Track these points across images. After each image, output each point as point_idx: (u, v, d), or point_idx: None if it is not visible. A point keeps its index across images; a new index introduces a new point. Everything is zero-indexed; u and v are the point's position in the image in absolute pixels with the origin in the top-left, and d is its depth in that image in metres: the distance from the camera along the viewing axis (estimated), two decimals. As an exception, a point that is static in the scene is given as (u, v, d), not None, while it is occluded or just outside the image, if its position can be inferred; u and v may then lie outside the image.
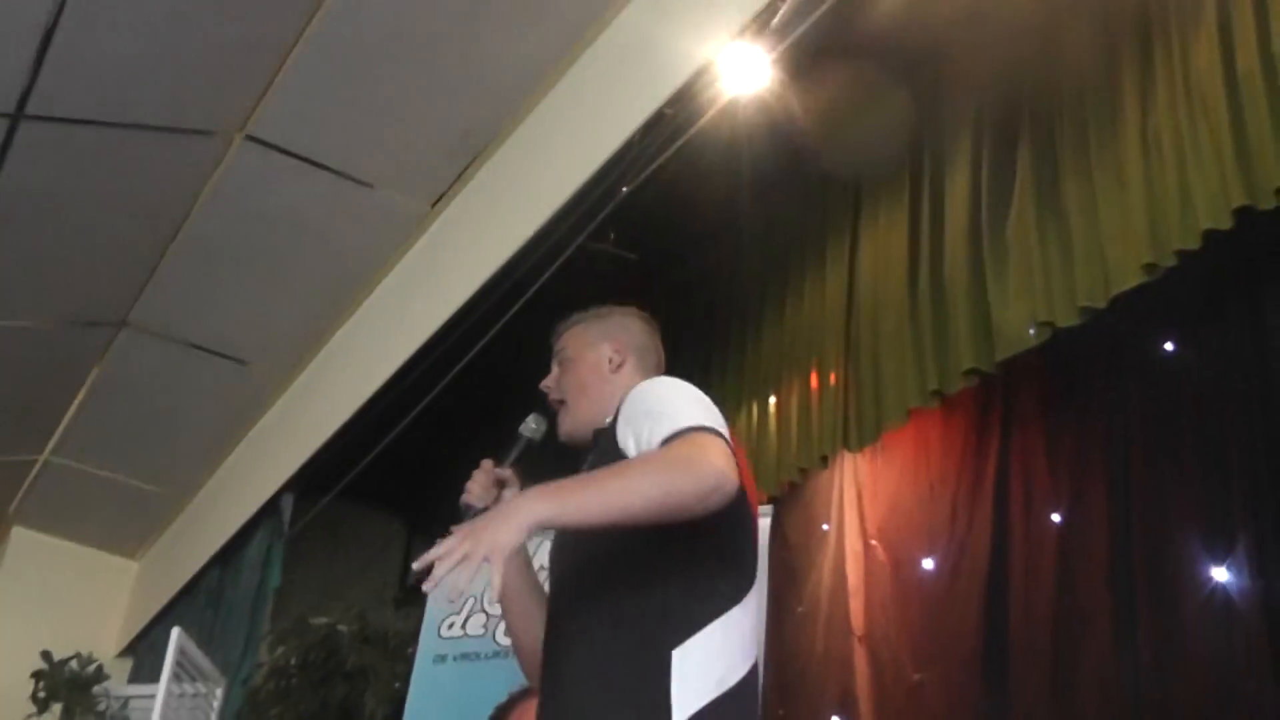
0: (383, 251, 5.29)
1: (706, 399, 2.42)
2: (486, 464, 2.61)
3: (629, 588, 2.26)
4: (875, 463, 4.56)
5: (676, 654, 2.21)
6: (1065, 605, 3.78)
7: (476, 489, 2.58)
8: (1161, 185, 3.28)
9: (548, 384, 2.70)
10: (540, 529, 2.14)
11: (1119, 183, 3.41)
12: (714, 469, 2.18)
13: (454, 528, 2.40)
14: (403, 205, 5.05)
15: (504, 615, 2.69)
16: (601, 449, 2.46)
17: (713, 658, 2.25)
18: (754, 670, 2.31)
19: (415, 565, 2.27)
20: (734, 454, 2.27)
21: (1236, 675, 3.26)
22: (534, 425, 2.66)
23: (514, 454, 2.65)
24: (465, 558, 2.06)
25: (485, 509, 2.50)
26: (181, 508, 7.01)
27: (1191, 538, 3.47)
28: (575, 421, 2.64)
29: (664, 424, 2.30)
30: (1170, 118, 3.32)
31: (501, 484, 2.60)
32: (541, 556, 3.10)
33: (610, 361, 2.66)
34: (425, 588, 2.15)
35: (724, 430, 2.30)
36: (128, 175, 4.90)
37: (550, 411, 2.66)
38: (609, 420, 2.54)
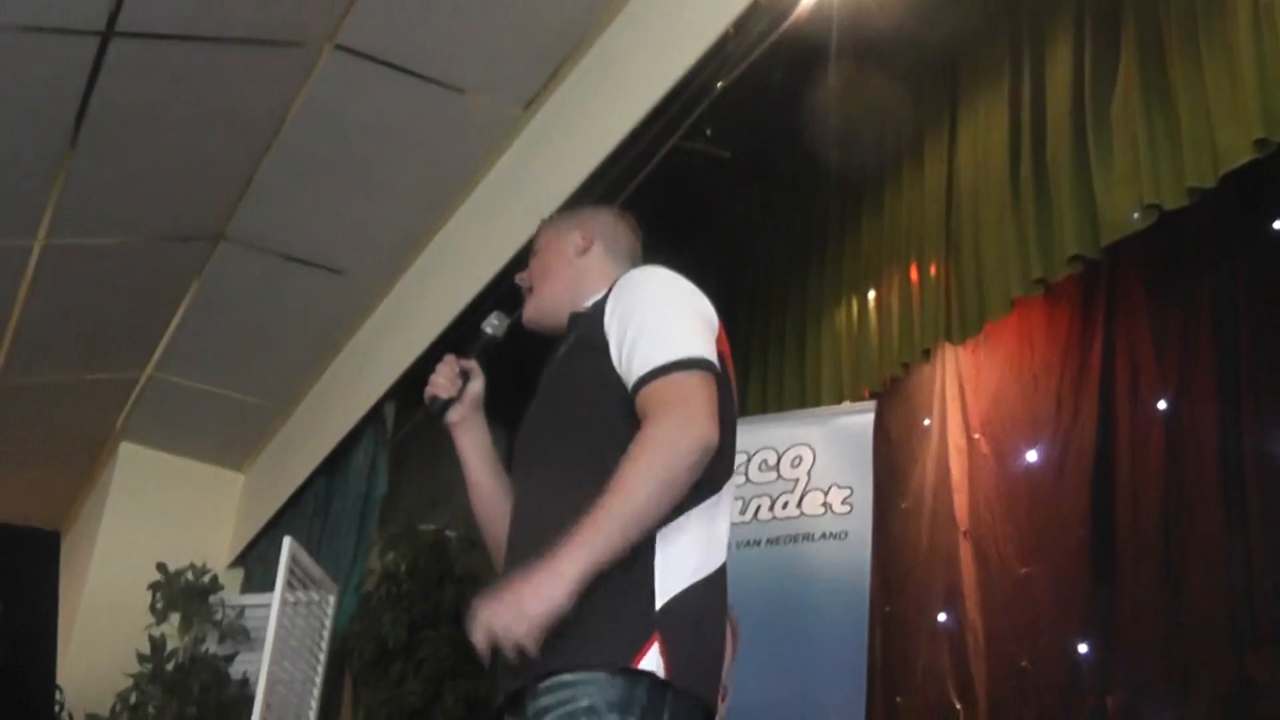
0: (476, 157, 5.31)
1: (699, 298, 2.45)
2: (450, 357, 2.70)
3: (608, 472, 2.25)
4: (977, 355, 4.58)
5: (659, 537, 2.27)
6: (1174, 496, 3.80)
7: (443, 381, 2.67)
8: (1274, 59, 3.25)
9: (520, 276, 2.76)
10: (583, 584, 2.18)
11: (1228, 58, 3.38)
12: (697, 443, 2.24)
13: (425, 416, 2.57)
14: (495, 109, 5.07)
15: (474, 505, 2.74)
16: (581, 333, 2.49)
17: (691, 545, 2.32)
18: (724, 567, 2.37)
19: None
20: (716, 357, 2.36)
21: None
22: (495, 322, 2.75)
23: (475, 348, 2.75)
24: (508, 635, 2.12)
25: (451, 400, 2.66)
26: (285, 419, 7.13)
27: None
28: (539, 306, 2.69)
29: (653, 347, 2.33)
30: (1282, -11, 3.29)
31: (465, 375, 2.69)
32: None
33: (576, 246, 2.69)
34: None
35: (707, 349, 2.34)
36: (219, 90, 4.94)
37: (518, 310, 2.71)
38: (587, 304, 2.57)
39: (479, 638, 2.19)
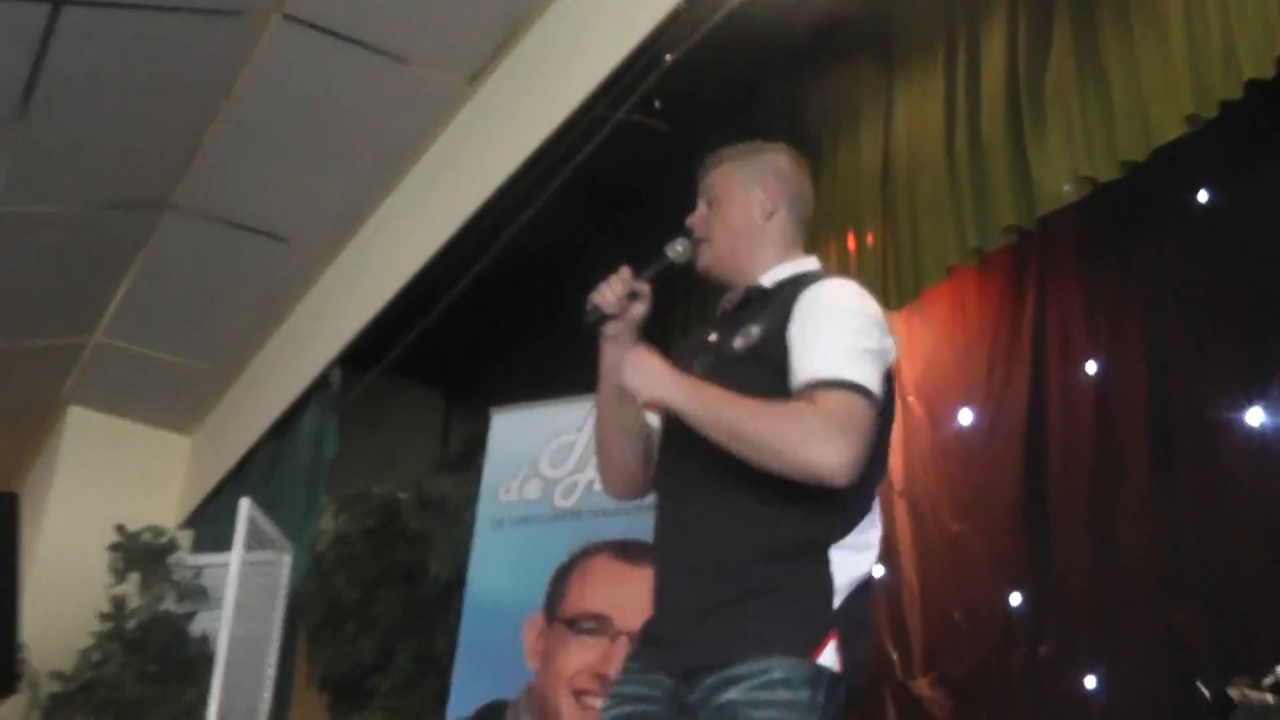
0: (421, 129, 5.31)
1: (882, 324, 2.51)
2: (625, 273, 2.66)
3: (771, 481, 2.40)
4: (912, 321, 4.61)
5: (835, 547, 2.43)
6: (1103, 454, 3.85)
7: (610, 297, 2.64)
8: (1204, 36, 3.27)
9: (694, 221, 2.71)
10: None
11: (1160, 35, 3.40)
12: (839, 462, 2.33)
13: (583, 321, 2.66)
14: (441, 82, 5.06)
15: (600, 419, 2.77)
16: (764, 332, 2.53)
17: (857, 554, 2.47)
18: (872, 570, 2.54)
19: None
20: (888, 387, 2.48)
21: (1270, 513, 3.33)
22: (679, 249, 2.68)
23: (652, 271, 2.69)
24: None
25: (610, 316, 2.64)
26: (231, 384, 7.12)
27: (1227, 383, 3.52)
28: (719, 260, 2.69)
29: (831, 360, 2.40)
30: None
31: (633, 295, 2.66)
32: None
33: (762, 207, 2.68)
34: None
35: (876, 382, 2.42)
36: (167, 58, 4.90)
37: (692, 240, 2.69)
38: (765, 278, 2.63)
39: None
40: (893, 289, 4.33)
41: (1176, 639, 3.42)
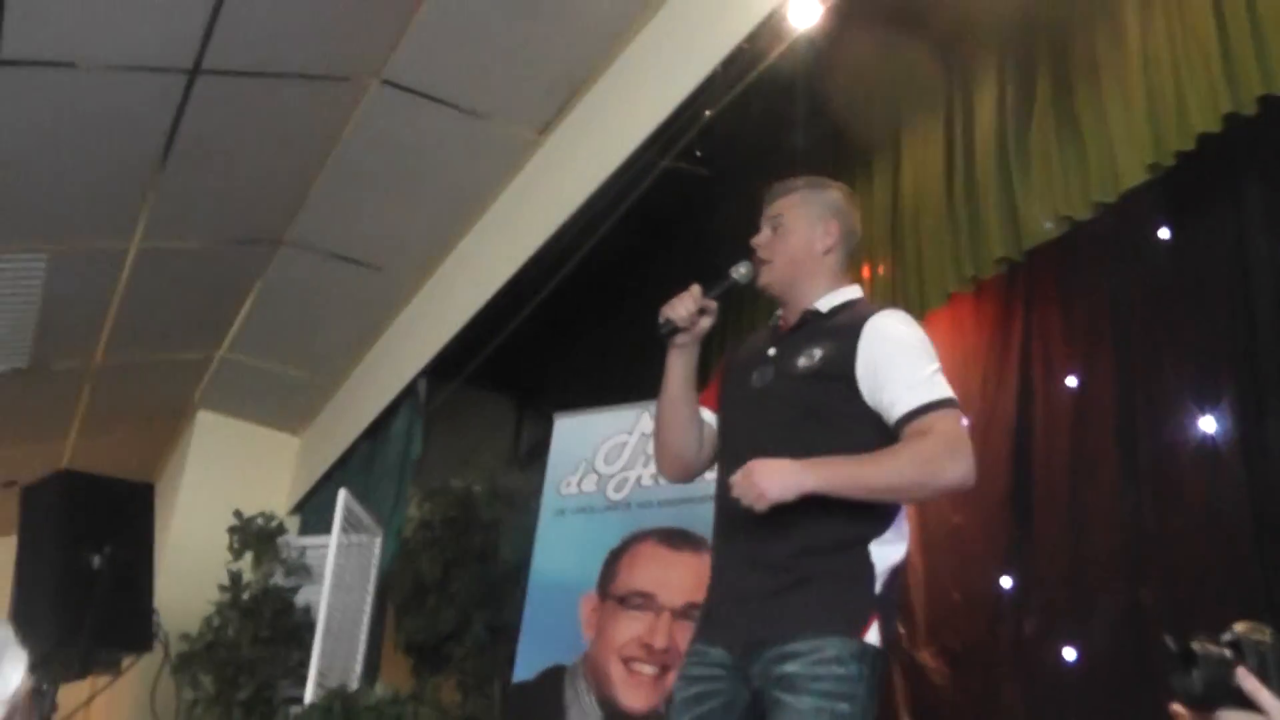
0: (498, 174, 5.37)
1: (931, 345, 2.58)
2: (696, 290, 2.71)
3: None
4: (917, 341, 4.62)
5: (877, 540, 2.48)
6: (1079, 456, 3.86)
7: (683, 311, 2.69)
8: (1160, 96, 3.32)
9: (759, 242, 2.76)
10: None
11: (1124, 95, 3.45)
12: (958, 479, 2.43)
13: (657, 331, 2.70)
14: (514, 134, 5.14)
15: (662, 413, 2.80)
16: (827, 355, 2.57)
17: (894, 543, 2.52)
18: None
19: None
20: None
21: (1220, 507, 3.34)
22: (744, 271, 2.76)
23: (719, 290, 2.76)
24: (741, 491, 2.41)
25: (681, 329, 2.70)
26: (334, 392, 7.21)
27: (1184, 396, 3.53)
28: (778, 281, 2.74)
29: (921, 389, 2.47)
30: (1167, 38, 3.36)
31: (702, 311, 2.72)
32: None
33: (822, 242, 2.74)
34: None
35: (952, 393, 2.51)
36: (283, 117, 5.01)
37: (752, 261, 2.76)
38: (820, 303, 2.69)
39: (740, 480, 2.43)
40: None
41: (1141, 614, 3.42)
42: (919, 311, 4.25)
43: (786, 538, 2.46)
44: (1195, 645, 1.49)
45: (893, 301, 4.41)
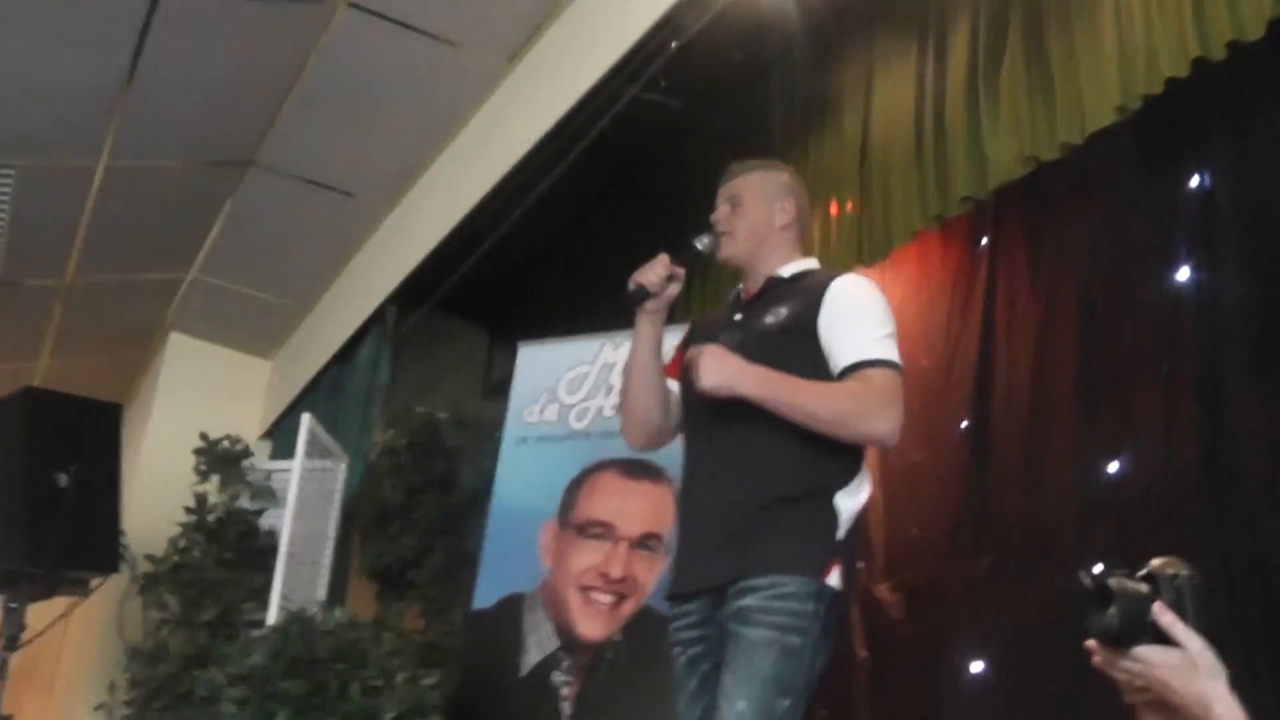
0: (467, 100, 5.32)
1: (889, 310, 2.70)
2: (664, 258, 2.80)
3: (801, 434, 2.53)
4: (884, 276, 4.58)
5: (842, 490, 2.56)
6: (1038, 397, 3.86)
7: (654, 278, 2.76)
8: (1130, 40, 3.28)
9: (718, 218, 2.87)
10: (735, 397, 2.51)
11: (1095, 38, 3.40)
12: (883, 434, 2.51)
13: (627, 297, 2.77)
14: (484, 61, 5.08)
15: (630, 381, 2.87)
16: (793, 312, 2.67)
17: (856, 493, 2.60)
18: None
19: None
20: None
21: (1177, 448, 3.33)
22: (707, 241, 2.85)
23: (685, 257, 2.84)
24: (694, 362, 2.53)
25: (652, 294, 2.77)
26: (304, 316, 7.18)
27: (1143, 340, 3.53)
28: (740, 252, 2.84)
29: (872, 343, 2.58)
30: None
31: (671, 278, 2.79)
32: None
33: (781, 216, 2.86)
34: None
35: (898, 359, 2.60)
36: (252, 39, 4.94)
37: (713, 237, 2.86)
38: (781, 271, 2.80)
39: (694, 357, 2.56)
40: (867, 248, 4.34)
41: (1091, 551, 3.44)
42: (885, 248, 4.24)
43: (755, 488, 2.53)
44: (1111, 581, 1.47)
45: (859, 239, 4.39)
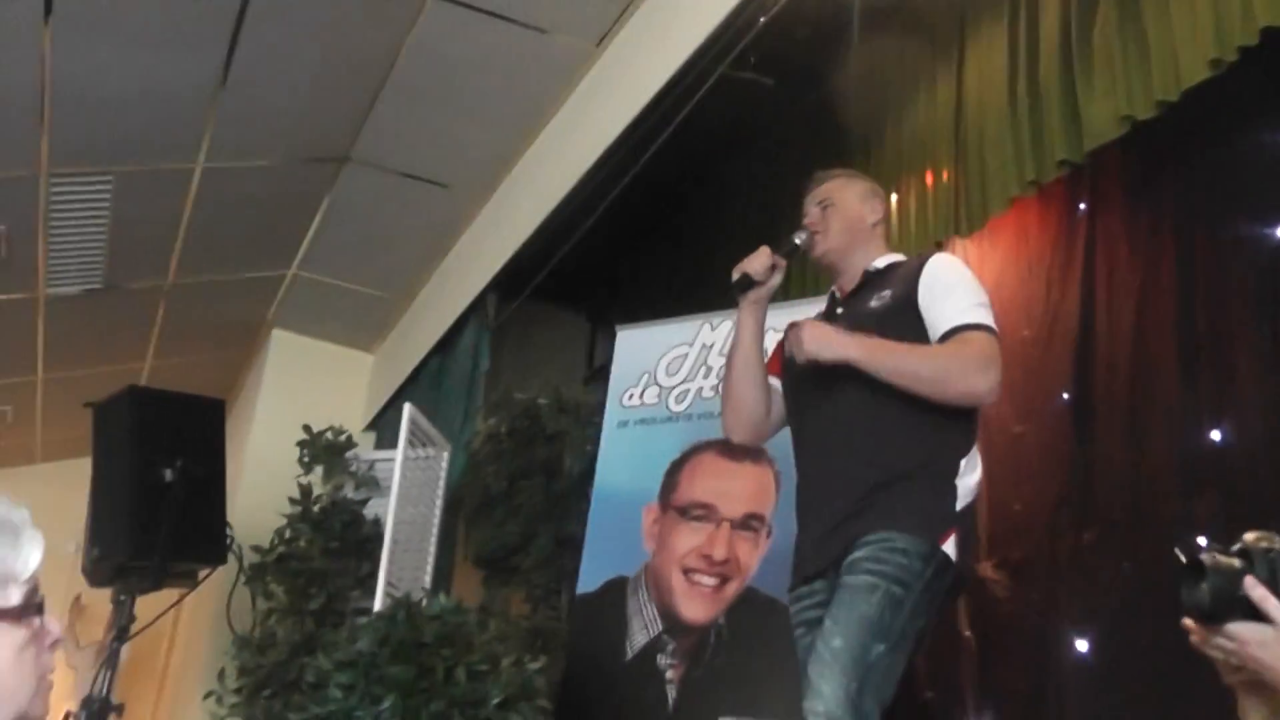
0: (557, 86, 5.37)
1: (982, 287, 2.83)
2: (766, 250, 2.95)
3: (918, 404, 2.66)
4: (983, 247, 4.56)
5: (966, 459, 2.69)
6: (1140, 366, 3.79)
7: (758, 268, 2.92)
8: (1224, -8, 3.22)
9: (812, 220, 3.02)
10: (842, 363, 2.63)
11: (1188, -7, 3.34)
12: (984, 392, 2.63)
13: (733, 287, 2.92)
14: (572, 46, 5.12)
15: (733, 370, 2.99)
16: (896, 292, 2.81)
17: (976, 465, 2.73)
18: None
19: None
20: None
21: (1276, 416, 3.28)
22: (805, 236, 3.01)
23: (785, 250, 2.99)
24: (795, 334, 2.63)
25: (759, 283, 2.92)
26: (404, 309, 7.29)
27: (1246, 301, 3.46)
28: (834, 249, 3.01)
29: (966, 311, 2.70)
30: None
31: (773, 268, 2.94)
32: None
33: (870, 216, 3.05)
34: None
35: (995, 325, 2.73)
36: (343, 34, 5.02)
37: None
38: (877, 264, 2.95)
39: (792, 334, 2.69)
40: (964, 218, 4.31)
41: (1192, 522, 3.38)
42: (981, 218, 4.21)
43: (872, 463, 2.62)
44: (1204, 556, 1.46)
45: (955, 209, 4.36)
